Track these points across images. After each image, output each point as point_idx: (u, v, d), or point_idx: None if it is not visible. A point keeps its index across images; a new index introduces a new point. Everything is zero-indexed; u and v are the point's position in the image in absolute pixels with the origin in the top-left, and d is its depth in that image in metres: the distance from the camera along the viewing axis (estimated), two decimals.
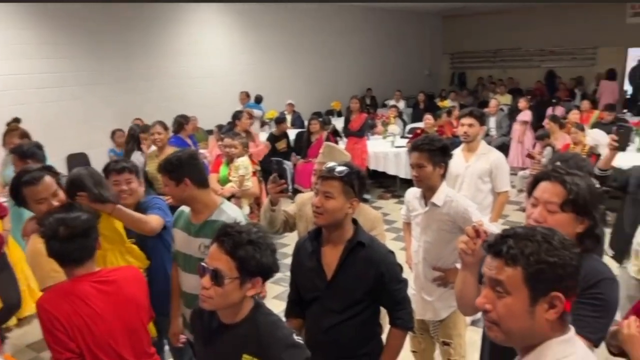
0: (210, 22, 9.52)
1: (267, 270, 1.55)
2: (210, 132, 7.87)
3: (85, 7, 7.56)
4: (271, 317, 1.60)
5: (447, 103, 10.06)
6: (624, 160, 4.54)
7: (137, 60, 8.35)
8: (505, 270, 1.12)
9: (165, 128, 4.42)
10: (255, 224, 1.67)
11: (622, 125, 3.11)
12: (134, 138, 5.53)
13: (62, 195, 2.34)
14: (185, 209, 2.47)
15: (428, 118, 7.05)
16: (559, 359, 1.12)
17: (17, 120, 5.31)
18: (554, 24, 13.49)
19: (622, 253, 3.14)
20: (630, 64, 13.20)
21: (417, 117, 10.20)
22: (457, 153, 3.80)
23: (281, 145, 7.73)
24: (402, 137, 8.25)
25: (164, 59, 8.76)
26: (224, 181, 4.46)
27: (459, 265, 2.56)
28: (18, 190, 2.31)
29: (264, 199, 2.98)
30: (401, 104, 11.39)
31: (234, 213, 2.39)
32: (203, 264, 1.52)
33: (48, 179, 2.32)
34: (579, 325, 1.55)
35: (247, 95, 9.30)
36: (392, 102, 11.32)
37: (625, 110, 10.07)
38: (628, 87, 12.60)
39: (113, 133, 6.77)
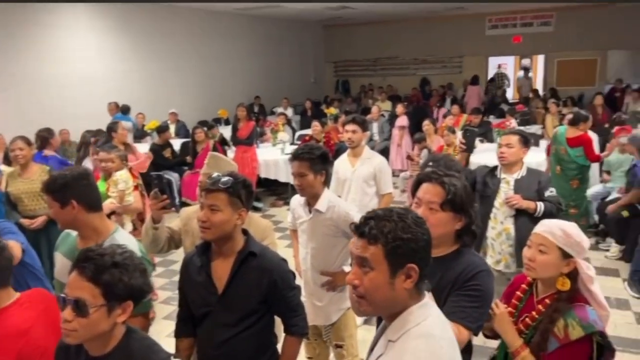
0: (77, 25, 8.81)
1: (138, 293, 1.47)
2: None
3: None
4: (145, 342, 1.52)
5: (334, 110, 10.37)
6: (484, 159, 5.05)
7: None
8: (369, 248, 1.26)
9: (29, 143, 4.01)
10: (120, 245, 1.56)
11: (468, 129, 3.56)
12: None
13: None
14: (72, 232, 2.21)
15: (316, 125, 7.19)
16: (419, 322, 1.26)
17: None
18: (425, 35, 14.73)
19: (477, 248, 3.43)
20: (491, 70, 14.84)
21: (305, 124, 10.35)
22: (344, 159, 3.93)
23: (167, 154, 7.56)
24: (292, 144, 8.35)
25: (26, 65, 7.94)
26: (102, 198, 4.13)
27: (346, 268, 2.65)
28: None
29: (148, 214, 2.80)
30: (289, 111, 11.52)
31: (128, 243, 2.05)
32: (62, 295, 1.39)
33: None
34: (459, 315, 1.65)
35: (117, 105, 8.73)
36: (280, 110, 11.39)
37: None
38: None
39: None
